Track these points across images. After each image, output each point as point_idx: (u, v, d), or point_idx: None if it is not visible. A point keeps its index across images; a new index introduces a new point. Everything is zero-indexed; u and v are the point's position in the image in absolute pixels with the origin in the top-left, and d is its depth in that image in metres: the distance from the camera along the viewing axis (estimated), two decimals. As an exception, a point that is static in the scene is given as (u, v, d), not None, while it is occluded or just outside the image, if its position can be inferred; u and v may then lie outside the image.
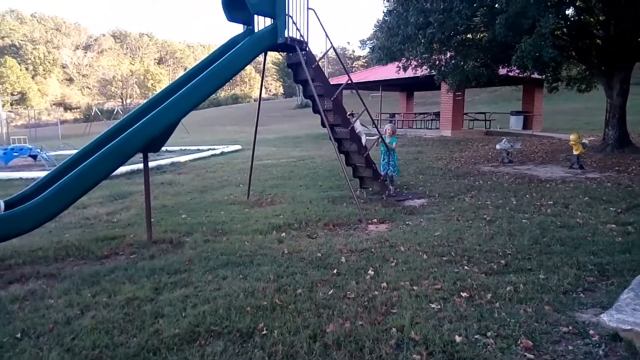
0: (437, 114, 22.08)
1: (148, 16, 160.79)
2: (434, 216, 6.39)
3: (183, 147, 18.75)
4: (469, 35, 12.87)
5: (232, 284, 3.96)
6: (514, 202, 7.05)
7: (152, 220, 5.78)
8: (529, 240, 5.00)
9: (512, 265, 4.30)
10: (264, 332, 3.05)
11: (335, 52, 8.19)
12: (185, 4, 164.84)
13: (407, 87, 24.97)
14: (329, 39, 7.55)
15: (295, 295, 3.65)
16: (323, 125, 7.26)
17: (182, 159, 15.11)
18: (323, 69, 22.60)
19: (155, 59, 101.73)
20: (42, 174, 11.70)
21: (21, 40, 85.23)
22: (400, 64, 14.16)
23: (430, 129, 22.65)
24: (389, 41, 12.49)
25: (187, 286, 3.97)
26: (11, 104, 67.30)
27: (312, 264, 4.42)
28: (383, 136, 8.09)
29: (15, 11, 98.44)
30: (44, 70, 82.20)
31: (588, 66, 13.91)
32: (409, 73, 14.58)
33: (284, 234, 5.64)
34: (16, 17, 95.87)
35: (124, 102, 74.73)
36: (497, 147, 12.24)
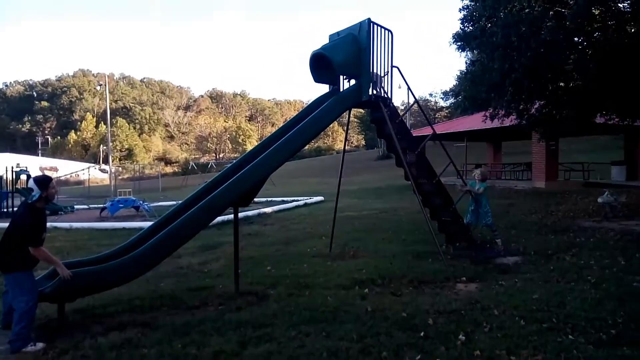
0: (529, 164, 20.94)
1: (242, 76, 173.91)
2: (531, 276, 5.91)
3: (269, 199, 19.41)
4: (561, 83, 12.31)
5: (315, 342, 3.90)
6: (622, 263, 6.34)
7: (239, 271, 5.96)
8: (645, 308, 4.43)
9: (625, 336, 3.81)
10: (348, 397, 2.94)
11: (419, 106, 8.21)
12: (275, 65, 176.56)
13: (494, 136, 24.16)
14: (413, 94, 7.62)
15: (380, 358, 3.50)
16: (407, 178, 7.19)
17: (268, 210, 15.64)
18: (405, 120, 22.70)
19: (246, 116, 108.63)
20: (142, 224, 12.68)
21: (131, 103, 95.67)
22: (486, 114, 13.81)
23: (522, 179, 21.45)
24: (474, 90, 12.28)
25: (271, 342, 3.98)
26: (119, 159, 74.79)
27: (397, 325, 4.24)
28: (471, 182, 7.80)
29: (127, 77, 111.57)
30: (149, 128, 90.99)
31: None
32: (496, 123, 14.14)
33: (366, 290, 5.52)
34: (128, 83, 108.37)
35: (217, 156, 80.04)
36: (599, 200, 11.24)
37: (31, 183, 4.37)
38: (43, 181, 4.36)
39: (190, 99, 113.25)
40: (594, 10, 9.33)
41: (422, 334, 3.98)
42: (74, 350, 3.92)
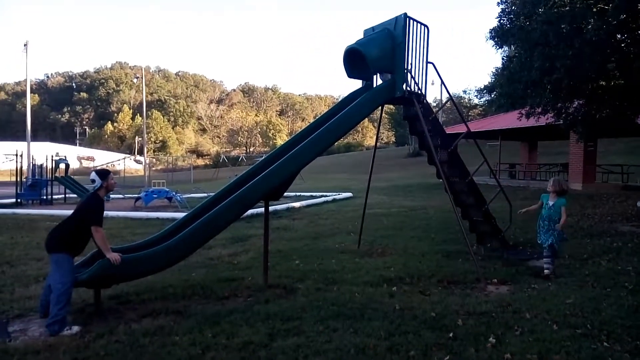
0: (565, 165, 20.32)
1: (273, 71, 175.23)
2: (565, 280, 5.76)
3: (298, 193, 19.51)
4: (602, 82, 11.86)
5: (342, 338, 3.92)
6: (664, 270, 6.09)
7: (268, 264, 6.03)
8: (687, 318, 4.25)
9: (665, 347, 3.66)
10: (375, 394, 2.94)
11: (453, 103, 8.07)
12: (307, 60, 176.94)
13: (529, 136, 23.54)
14: (447, 91, 7.50)
15: (407, 357, 3.49)
16: (438, 176, 7.09)
17: (297, 204, 15.73)
18: (438, 118, 22.40)
19: (277, 111, 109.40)
20: (175, 214, 12.97)
21: (166, 96, 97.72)
22: (522, 111, 13.44)
23: (557, 181, 20.86)
24: (511, 87, 11.98)
25: (299, 335, 4.02)
26: (153, 151, 76.57)
27: (426, 324, 4.21)
28: (543, 196, 6.34)
29: (162, 70, 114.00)
30: (182, 121, 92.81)
31: None
32: (532, 121, 13.75)
33: (395, 288, 5.49)
34: (163, 76, 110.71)
35: (248, 150, 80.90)
36: (639, 204, 10.83)
37: (93, 175, 4.76)
38: (103, 173, 4.80)
39: (222, 93, 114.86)
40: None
41: (451, 334, 3.94)
42: (108, 335, 4.06)
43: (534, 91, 11.48)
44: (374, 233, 9.42)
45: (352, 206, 15.31)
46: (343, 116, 6.07)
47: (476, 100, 65.70)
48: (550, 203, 6.12)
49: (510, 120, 19.65)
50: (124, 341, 3.91)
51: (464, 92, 66.61)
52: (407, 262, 6.83)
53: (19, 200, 19.12)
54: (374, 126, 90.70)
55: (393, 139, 77.24)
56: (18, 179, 20.18)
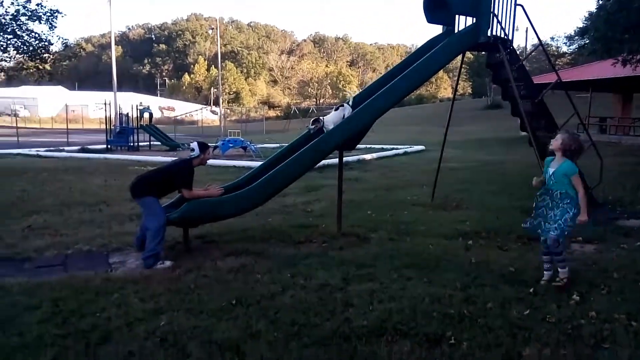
0: (665, 120, 18.40)
1: (344, 20, 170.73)
2: (660, 241, 5.34)
3: (368, 146, 19.38)
4: None
5: (416, 287, 3.95)
6: None
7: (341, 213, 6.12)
8: None
9: None
10: (452, 341, 2.97)
11: (543, 49, 7.47)
12: (379, 7, 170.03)
13: (624, 87, 21.40)
14: (538, 36, 6.93)
15: (485, 310, 3.46)
16: (522, 129, 6.71)
17: (368, 157, 15.68)
18: (521, 67, 20.78)
19: (347, 61, 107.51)
20: (250, 163, 13.44)
21: (238, 47, 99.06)
22: (619, 58, 12.18)
23: (654, 137, 18.99)
24: (607, 30, 10.82)
25: (374, 281, 4.10)
26: (227, 102, 78.83)
27: (504, 279, 4.12)
28: (547, 159, 4.25)
29: (235, 21, 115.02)
30: (254, 73, 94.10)
31: None
32: (628, 70, 12.43)
33: (470, 242, 5.39)
34: (236, 27, 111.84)
35: (318, 102, 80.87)
36: None
37: (194, 144, 5.06)
38: (203, 145, 5.07)
39: (293, 44, 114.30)
40: None
41: (531, 290, 3.83)
42: (197, 270, 4.39)
43: (633, 35, 10.28)
44: (448, 187, 9.20)
45: (425, 159, 15.01)
46: (422, 64, 5.83)
47: (565, 48, 60.22)
48: (551, 170, 4.07)
49: (602, 69, 17.94)
50: (211, 276, 4.22)
51: (551, 39, 60.97)
52: (483, 216, 6.65)
53: (108, 146, 20.69)
54: (449, 77, 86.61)
55: (469, 90, 73.30)
56: (107, 127, 21.75)
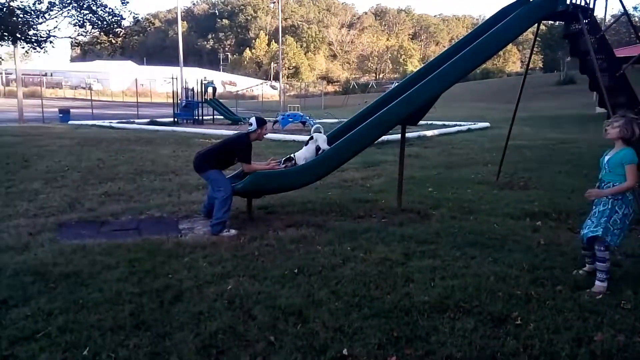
0: None
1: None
2: None
3: (429, 122, 18.91)
4: None
5: (481, 265, 3.86)
6: None
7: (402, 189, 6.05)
8: None
9: None
10: (518, 322, 2.89)
11: (628, 18, 6.85)
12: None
13: None
14: (622, 4, 6.35)
15: (554, 292, 3.32)
16: (600, 104, 6.25)
17: (429, 133, 15.31)
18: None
19: (409, 34, 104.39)
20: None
21: (299, 21, 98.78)
22: None
23: None
24: None
25: (435, 258, 4.05)
26: (287, 77, 79.30)
27: (575, 262, 3.93)
28: (606, 151, 3.65)
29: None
30: (314, 47, 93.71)
31: None
32: None
33: (539, 223, 5.17)
34: (296, 0, 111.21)
35: (377, 77, 79.51)
36: None
37: (252, 119, 5.18)
38: (261, 121, 5.18)
39: (353, 17, 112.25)
40: None
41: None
42: (260, 239, 4.53)
43: None
44: (515, 165, 8.83)
45: (490, 137, 14.44)
46: (494, 34, 5.52)
47: (650, 18, 54.90)
48: (607, 158, 3.54)
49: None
50: (274, 245, 4.35)
51: (634, 9, 55.71)
52: (553, 197, 6.34)
53: (175, 119, 21.55)
54: (518, 49, 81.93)
55: (540, 64, 69.02)
56: (174, 101, 22.62)
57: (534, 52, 65.94)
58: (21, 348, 2.58)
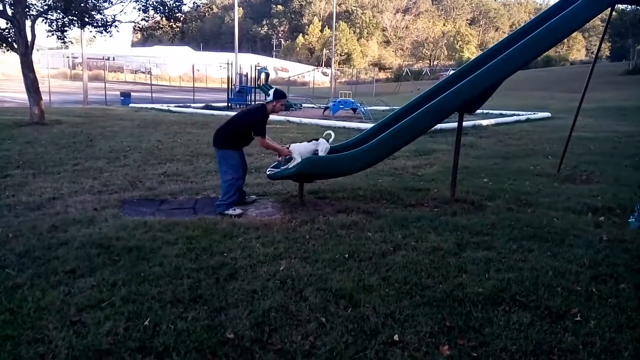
0: None
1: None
2: None
3: (485, 111, 18.27)
4: None
5: (539, 259, 3.72)
6: None
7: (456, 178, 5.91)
8: None
9: None
10: (578, 318, 2.78)
11: None
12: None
13: None
14: None
15: (617, 290, 3.16)
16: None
17: (484, 122, 14.83)
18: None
19: (467, 20, 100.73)
20: (360, 125, 13.47)
21: (353, 6, 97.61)
22: None
23: None
24: None
25: (490, 250, 3.95)
26: (338, 64, 78.87)
27: (642, 260, 3.72)
28: None
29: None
30: (367, 33, 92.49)
31: None
32: None
33: (602, 218, 4.91)
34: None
35: (431, 64, 77.52)
36: None
37: (271, 90, 5.16)
38: (279, 94, 5.11)
39: (409, 1, 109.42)
40: None
41: (676, 276, 3.42)
42: (311, 223, 4.58)
43: None
44: (577, 158, 8.41)
45: (550, 127, 13.80)
46: (564, 17, 5.22)
47: None
48: None
49: None
50: (324, 229, 4.38)
51: None
52: (618, 192, 5.99)
53: (229, 104, 22.04)
54: (583, 37, 77.29)
55: (607, 52, 64.78)
56: (228, 86, 23.10)
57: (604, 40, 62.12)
58: (88, 315, 2.76)
